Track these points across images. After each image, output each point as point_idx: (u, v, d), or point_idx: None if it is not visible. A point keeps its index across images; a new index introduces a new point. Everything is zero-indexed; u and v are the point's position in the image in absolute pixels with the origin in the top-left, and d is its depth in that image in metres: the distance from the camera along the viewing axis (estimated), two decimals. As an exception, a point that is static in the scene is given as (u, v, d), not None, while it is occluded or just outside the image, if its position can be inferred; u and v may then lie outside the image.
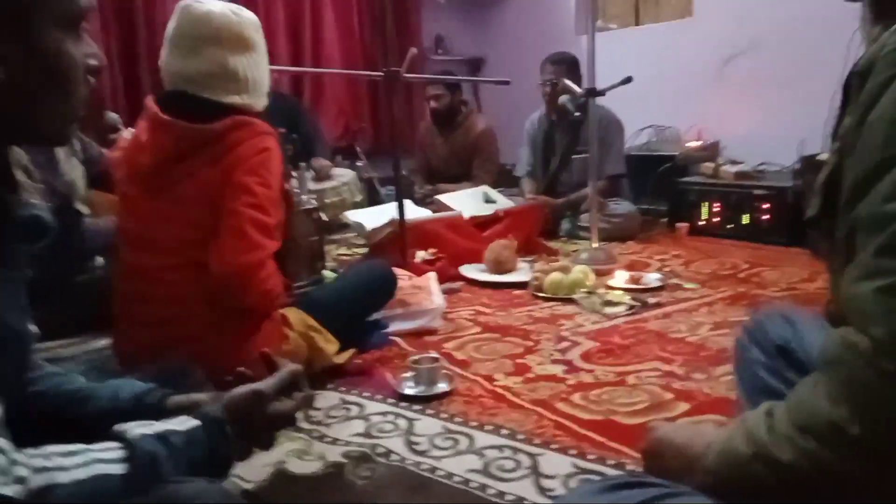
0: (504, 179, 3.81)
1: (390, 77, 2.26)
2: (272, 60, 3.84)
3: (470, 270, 2.58)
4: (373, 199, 3.43)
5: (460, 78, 3.52)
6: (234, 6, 1.54)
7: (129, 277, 1.48)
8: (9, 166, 0.78)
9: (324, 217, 3.06)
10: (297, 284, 1.77)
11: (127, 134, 2.19)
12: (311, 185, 3.22)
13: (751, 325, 1.12)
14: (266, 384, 0.88)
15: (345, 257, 3.00)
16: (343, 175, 3.51)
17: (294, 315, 1.62)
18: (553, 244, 3.13)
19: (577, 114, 3.02)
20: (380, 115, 4.61)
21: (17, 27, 0.69)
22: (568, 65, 3.29)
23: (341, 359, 1.65)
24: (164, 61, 1.53)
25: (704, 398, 1.45)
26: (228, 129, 1.45)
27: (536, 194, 3.42)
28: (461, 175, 3.73)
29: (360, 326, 1.82)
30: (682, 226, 3.25)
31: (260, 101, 1.57)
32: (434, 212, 3.08)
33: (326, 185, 3.38)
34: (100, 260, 1.90)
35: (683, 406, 1.42)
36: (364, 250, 2.90)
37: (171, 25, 1.51)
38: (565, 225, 3.29)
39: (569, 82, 2.78)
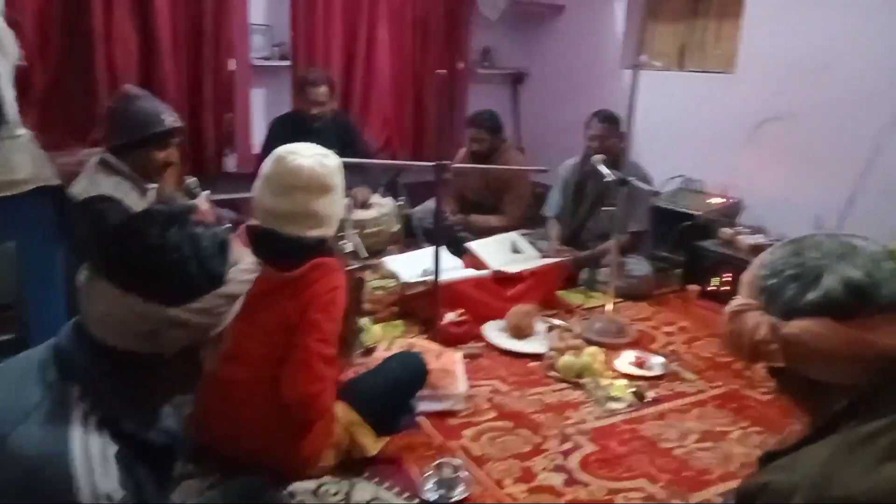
0: (534, 212, 4.02)
1: (440, 168, 2.48)
2: (327, 70, 4.03)
3: (491, 330, 2.86)
4: (410, 232, 3.67)
5: (502, 167, 3.70)
6: (321, 155, 1.78)
7: (213, 382, 1.77)
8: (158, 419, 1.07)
9: (363, 253, 3.34)
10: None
11: (203, 199, 2.45)
12: (353, 215, 3.48)
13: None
14: None
15: (379, 292, 3.28)
16: (383, 206, 3.74)
17: (340, 410, 1.91)
18: (571, 294, 3.39)
19: (607, 179, 3.19)
20: (422, 124, 4.80)
21: (192, 357, 0.99)
22: (612, 122, 3.46)
23: (375, 449, 1.95)
24: (257, 196, 1.80)
25: (676, 532, 1.74)
26: (307, 271, 1.72)
27: (561, 239, 3.65)
28: (492, 207, 3.95)
29: (393, 411, 2.12)
30: (694, 288, 3.46)
31: (332, 230, 1.85)
32: (465, 252, 3.33)
33: (367, 214, 3.62)
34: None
35: (657, 540, 1.71)
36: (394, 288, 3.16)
37: (268, 169, 1.78)
38: (584, 274, 3.52)
39: (602, 167, 2.95)
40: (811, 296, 0.92)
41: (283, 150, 1.79)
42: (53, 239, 1.65)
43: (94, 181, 2.21)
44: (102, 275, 0.94)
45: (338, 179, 1.81)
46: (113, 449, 0.90)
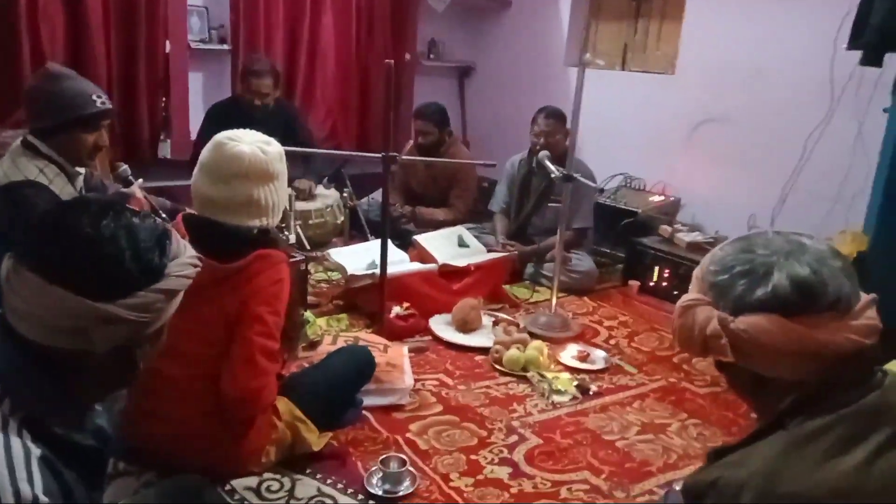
0: (480, 206, 4.03)
1: (388, 161, 2.44)
2: (269, 56, 3.93)
3: (438, 324, 2.84)
4: (355, 224, 3.61)
5: (448, 160, 3.69)
6: (262, 142, 1.71)
7: (148, 380, 1.69)
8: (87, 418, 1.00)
9: (306, 245, 3.27)
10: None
11: (137, 187, 2.34)
12: (297, 206, 3.40)
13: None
14: None
15: (323, 286, 3.22)
16: (328, 197, 3.66)
17: (282, 405, 1.86)
18: (517, 288, 3.41)
19: (553, 175, 3.22)
20: (367, 115, 4.73)
21: (127, 354, 0.92)
22: (558, 119, 3.49)
23: (319, 445, 1.89)
24: (195, 184, 1.71)
25: (619, 523, 1.77)
26: (249, 263, 1.65)
27: (507, 234, 3.67)
28: (438, 201, 3.93)
29: (338, 406, 2.07)
30: (634, 283, 3.54)
31: (276, 219, 1.78)
32: (411, 245, 3.30)
33: (311, 206, 3.54)
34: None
35: (601, 531, 1.73)
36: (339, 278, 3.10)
37: (207, 156, 1.69)
38: (529, 269, 3.55)
39: (548, 162, 2.97)
40: (760, 292, 0.93)
41: (222, 136, 1.71)
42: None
43: (18, 165, 2.06)
44: (28, 266, 0.86)
45: (280, 167, 1.74)
46: (37, 452, 0.83)
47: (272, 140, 1.75)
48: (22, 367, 0.87)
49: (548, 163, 2.97)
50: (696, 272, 1.04)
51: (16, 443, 0.82)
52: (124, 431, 1.74)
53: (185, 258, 0.98)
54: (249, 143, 1.68)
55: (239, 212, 1.68)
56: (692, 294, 1.03)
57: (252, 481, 1.78)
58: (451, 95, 5.26)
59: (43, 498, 0.80)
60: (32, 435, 0.84)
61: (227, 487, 1.75)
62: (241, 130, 1.73)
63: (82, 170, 2.19)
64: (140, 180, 2.37)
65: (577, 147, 3.03)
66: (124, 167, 2.37)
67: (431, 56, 5.10)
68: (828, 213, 3.31)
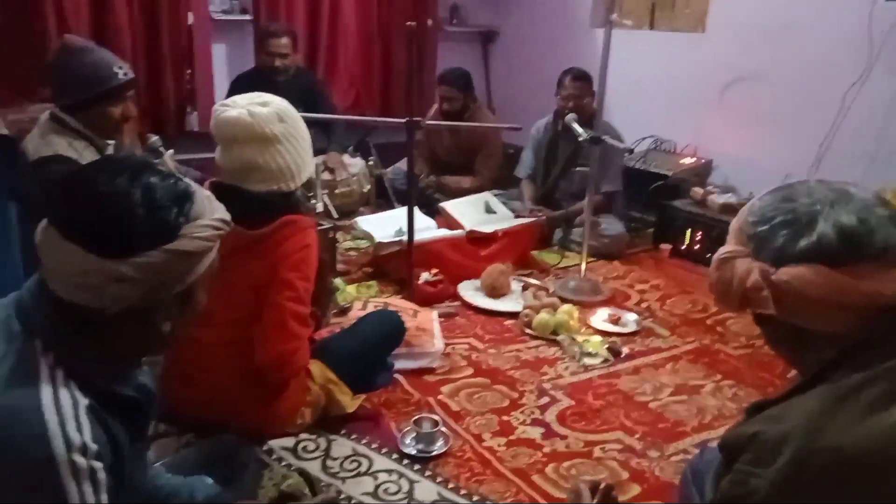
0: (506, 172, 3.99)
1: (411, 126, 2.42)
2: (289, 22, 3.85)
3: (467, 290, 2.84)
4: (381, 193, 3.61)
5: (473, 125, 3.65)
6: (253, 104, 1.69)
7: (180, 344, 1.72)
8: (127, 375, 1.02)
9: (333, 213, 3.28)
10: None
11: (168, 158, 2.35)
12: (324, 176, 3.40)
13: (694, 462, 1.41)
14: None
15: (352, 253, 3.23)
16: (354, 165, 3.66)
17: (316, 368, 1.88)
18: (545, 254, 3.38)
19: (580, 138, 3.16)
20: (391, 84, 4.69)
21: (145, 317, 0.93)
22: (585, 81, 3.43)
23: (353, 407, 1.92)
24: (216, 153, 1.72)
25: (654, 481, 1.76)
26: (276, 229, 1.66)
27: (534, 199, 3.63)
28: (464, 167, 3.90)
29: (370, 369, 2.09)
30: (666, 247, 3.49)
31: (294, 182, 1.76)
32: (438, 213, 3.29)
33: (337, 176, 3.54)
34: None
35: (636, 489, 1.73)
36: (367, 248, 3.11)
37: (211, 124, 1.70)
38: (558, 234, 3.52)
39: (576, 125, 2.92)
40: (803, 242, 0.89)
41: (219, 102, 1.71)
42: (5, 194, 1.57)
43: (48, 140, 2.08)
44: (50, 222, 0.88)
45: (279, 128, 1.68)
46: (84, 402, 0.85)
47: (271, 101, 1.70)
48: (56, 324, 0.88)
49: (575, 125, 2.92)
50: (734, 224, 1.01)
51: (63, 393, 0.84)
52: (162, 394, 1.78)
53: (206, 220, 0.94)
54: (240, 106, 1.67)
55: (245, 177, 1.68)
56: (730, 246, 0.99)
57: (289, 441, 1.81)
58: (475, 61, 5.18)
59: (92, 445, 0.82)
60: (79, 386, 0.86)
61: (265, 447, 1.78)
62: (241, 95, 1.72)
63: (112, 142, 2.20)
64: (171, 151, 2.39)
65: (605, 110, 2.98)
66: (155, 138, 2.39)
67: (454, 21, 5.02)
68: (865, 171, 3.21)
